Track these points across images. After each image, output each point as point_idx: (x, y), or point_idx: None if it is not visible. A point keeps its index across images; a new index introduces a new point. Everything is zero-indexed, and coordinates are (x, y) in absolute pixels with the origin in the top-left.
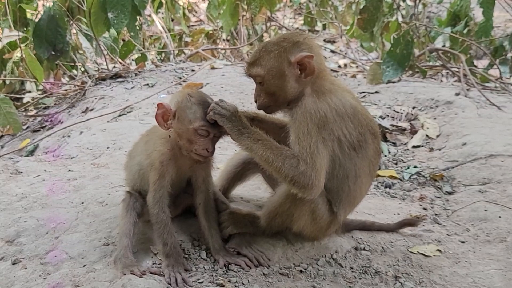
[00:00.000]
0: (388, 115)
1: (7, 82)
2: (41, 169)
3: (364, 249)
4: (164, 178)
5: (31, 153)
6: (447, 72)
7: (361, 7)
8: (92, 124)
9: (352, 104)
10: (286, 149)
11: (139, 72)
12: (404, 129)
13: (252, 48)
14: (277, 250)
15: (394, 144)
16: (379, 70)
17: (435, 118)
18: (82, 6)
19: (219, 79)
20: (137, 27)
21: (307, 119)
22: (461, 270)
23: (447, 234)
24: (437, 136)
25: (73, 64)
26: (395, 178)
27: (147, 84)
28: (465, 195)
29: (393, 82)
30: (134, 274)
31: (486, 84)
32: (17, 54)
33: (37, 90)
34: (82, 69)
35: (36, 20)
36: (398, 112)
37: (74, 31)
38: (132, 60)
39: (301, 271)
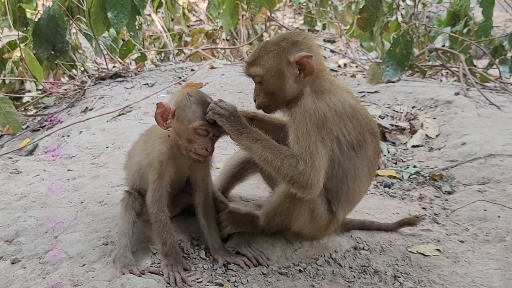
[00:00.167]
0: (387, 115)
1: (7, 81)
2: (41, 168)
3: (363, 248)
4: (163, 177)
5: (31, 152)
6: (447, 72)
7: (361, 6)
8: (91, 124)
9: (352, 104)
10: (285, 149)
11: (138, 71)
12: (404, 129)
13: (251, 48)
14: (276, 249)
15: (393, 143)
16: (378, 70)
17: (434, 118)
18: (82, 5)
19: (219, 79)
20: (137, 27)
21: (306, 119)
22: (460, 269)
23: (446, 234)
24: (437, 136)
25: (72, 63)
26: (394, 177)
27: (147, 84)
28: (464, 194)
29: (393, 82)
30: (133, 274)
31: (486, 84)
32: (16, 53)
33: (37, 89)
34: (82, 68)
35: (36, 19)
36: (397, 111)
37: (73, 30)
38: (132, 59)
39: (300, 270)
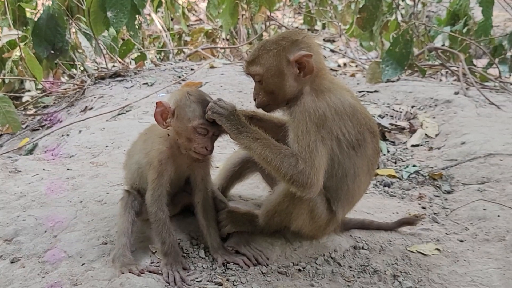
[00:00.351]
0: (387, 114)
1: (6, 81)
2: (40, 168)
3: (362, 248)
4: (163, 176)
5: (30, 152)
6: (446, 71)
7: (361, 6)
8: (91, 123)
9: (351, 103)
10: (285, 148)
11: (138, 71)
12: (403, 128)
13: (251, 47)
14: (276, 249)
15: (393, 143)
16: (378, 69)
17: (434, 117)
18: (82, 5)
19: (218, 78)
20: (137, 26)
21: (306, 118)
22: (460, 269)
23: (446, 233)
24: (436, 135)
25: (72, 63)
26: (394, 177)
27: (146, 83)
28: (464, 194)
29: (392, 81)
30: (132, 273)
31: (485, 83)
32: (16, 53)
33: (36, 89)
34: (82, 68)
35: (36, 19)
36: (397, 111)
37: (73, 30)
38: (132, 59)
39: (299, 270)
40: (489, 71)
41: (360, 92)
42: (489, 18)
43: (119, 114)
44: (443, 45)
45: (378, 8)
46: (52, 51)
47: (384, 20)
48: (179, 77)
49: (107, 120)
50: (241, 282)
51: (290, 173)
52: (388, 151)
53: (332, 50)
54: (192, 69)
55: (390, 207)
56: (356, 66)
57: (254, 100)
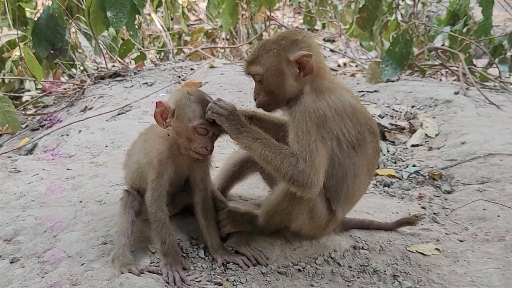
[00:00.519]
0: (387, 114)
1: (6, 81)
2: (40, 167)
3: (362, 248)
4: (163, 176)
5: (30, 151)
6: (446, 71)
7: (360, 6)
8: (91, 123)
9: (351, 103)
10: (285, 148)
11: (138, 71)
12: (403, 128)
13: (251, 47)
14: (275, 249)
15: (393, 143)
16: (378, 69)
17: (434, 117)
18: (81, 5)
19: (218, 78)
20: (136, 26)
21: (306, 118)
22: (460, 269)
23: (446, 233)
24: (436, 135)
25: (72, 63)
26: (394, 177)
27: (146, 83)
28: (464, 194)
29: (392, 81)
30: (132, 273)
31: (485, 83)
32: (16, 53)
33: (36, 89)
34: (81, 68)
35: (35, 19)
36: (397, 111)
37: (73, 30)
38: (131, 59)
39: (299, 270)
40: (489, 71)
41: (360, 92)
42: (489, 18)
43: (119, 114)
44: (443, 45)
45: (378, 8)
46: (52, 51)
47: (384, 20)
48: (179, 77)
49: (107, 120)
50: (241, 282)
51: (291, 173)
52: (388, 151)
53: (332, 50)
54: (192, 69)
55: (390, 207)
56: (356, 66)
57: (255, 100)
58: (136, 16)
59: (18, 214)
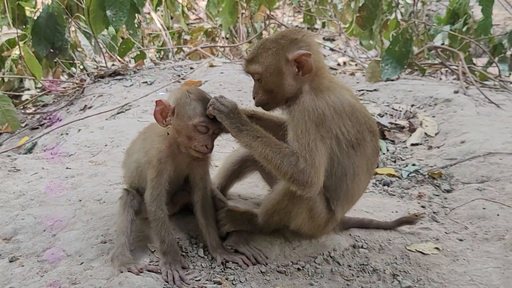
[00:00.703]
0: (386, 113)
1: (6, 79)
2: (39, 166)
3: (362, 247)
4: (162, 175)
5: (29, 150)
6: (446, 70)
7: (360, 5)
8: (90, 122)
9: (351, 102)
10: (285, 146)
11: (137, 70)
12: (403, 127)
13: (251, 46)
14: (275, 248)
15: (392, 142)
16: (378, 68)
17: (433, 116)
18: (81, 3)
19: (218, 77)
20: (136, 25)
21: (305, 117)
22: (459, 268)
23: (445, 232)
24: (436, 134)
25: (71, 62)
26: (393, 176)
27: (146, 82)
28: (463, 193)
29: (392, 80)
30: (131, 272)
31: (485, 82)
32: (15, 51)
33: (36, 88)
34: (81, 67)
35: (35, 17)
36: (396, 110)
37: (73, 28)
38: (131, 58)
39: (298, 269)
40: (488, 70)
41: (359, 91)
42: (489, 17)
43: (118, 113)
44: (443, 44)
45: (378, 7)
46: (52, 50)
47: (384, 18)
48: (179, 75)
49: (106, 119)
50: (240, 281)
51: (291, 172)
52: (388, 150)
53: (331, 49)
54: (191, 68)
55: (390, 206)
56: (356, 65)
57: (254, 98)
58: (136, 15)
59: (17, 213)
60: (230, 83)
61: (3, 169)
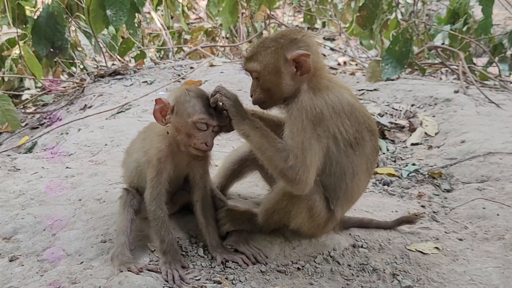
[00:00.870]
0: (386, 113)
1: (6, 79)
2: (39, 166)
3: (362, 246)
4: (162, 175)
5: (30, 150)
6: (446, 70)
7: (361, 4)
8: (90, 121)
9: (350, 101)
10: (280, 141)
11: (138, 69)
12: (403, 127)
13: (251, 46)
14: (275, 247)
15: (392, 141)
16: (378, 68)
17: (434, 116)
18: (81, 3)
19: (218, 77)
20: (136, 25)
21: (302, 115)
22: (459, 267)
23: (445, 232)
24: (436, 134)
25: (72, 61)
26: (393, 175)
27: (146, 82)
28: (463, 192)
29: (392, 80)
30: (131, 271)
31: (485, 82)
32: (15, 51)
33: (36, 87)
34: (81, 66)
35: (35, 17)
36: (396, 109)
37: (73, 28)
38: (131, 57)
39: (298, 268)
40: (489, 69)
41: (359, 90)
42: (489, 17)
43: (118, 113)
44: (443, 44)
45: (378, 7)
46: (52, 49)
47: (384, 18)
48: (179, 75)
49: (106, 119)
50: (240, 281)
51: (281, 167)
52: (388, 150)
53: (332, 49)
54: (191, 68)
55: (390, 205)
56: (356, 64)
57: (251, 96)
58: (136, 14)
59: (17, 212)
60: (230, 82)
61: (3, 169)
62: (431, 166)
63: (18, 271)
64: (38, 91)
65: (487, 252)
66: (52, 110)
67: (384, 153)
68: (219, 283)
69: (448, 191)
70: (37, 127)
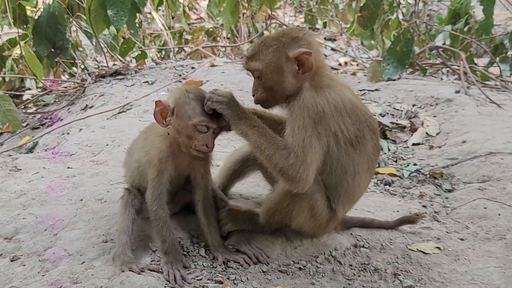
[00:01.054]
0: (388, 113)
1: (7, 79)
2: (40, 166)
3: (363, 246)
4: (163, 175)
5: (31, 150)
6: (447, 70)
7: (362, 4)
8: (91, 122)
9: (351, 100)
10: (280, 140)
11: (139, 69)
12: (404, 127)
13: (252, 45)
14: (276, 247)
15: (394, 141)
16: (379, 68)
17: (435, 116)
18: (82, 3)
19: (219, 77)
20: (137, 25)
21: (304, 113)
22: (460, 267)
23: (447, 232)
24: (437, 134)
25: (73, 61)
26: (394, 175)
27: (147, 82)
28: (464, 192)
29: (393, 80)
30: (132, 271)
31: (486, 82)
32: (16, 51)
33: (37, 87)
34: (82, 66)
35: (36, 17)
36: (398, 109)
37: (74, 28)
38: (132, 57)
39: (300, 268)
40: (490, 70)
41: (361, 90)
42: (490, 17)
43: (119, 113)
44: (444, 44)
45: (379, 7)
46: (53, 50)
47: (385, 18)
48: (180, 75)
49: (107, 119)
50: (242, 281)
51: (281, 165)
52: (389, 150)
53: (333, 49)
54: (192, 68)
55: (391, 205)
56: (357, 64)
57: (253, 96)
58: (137, 14)
59: (18, 212)
60: (231, 82)
61: (4, 169)
62: (433, 166)
63: (20, 271)
64: (39, 91)
65: (489, 252)
66: (53, 110)
67: (385, 153)
68: (221, 283)
69: (449, 191)
70: (38, 127)
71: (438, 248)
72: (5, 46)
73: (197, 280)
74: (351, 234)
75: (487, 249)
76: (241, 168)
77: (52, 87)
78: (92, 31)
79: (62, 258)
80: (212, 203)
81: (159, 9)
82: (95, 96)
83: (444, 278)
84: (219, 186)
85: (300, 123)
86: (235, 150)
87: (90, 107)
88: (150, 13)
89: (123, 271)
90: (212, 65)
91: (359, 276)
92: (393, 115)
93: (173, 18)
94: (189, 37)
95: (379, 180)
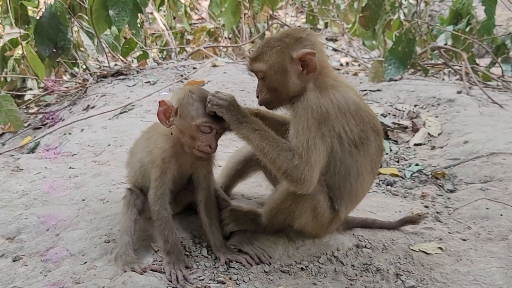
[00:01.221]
0: (390, 113)
1: (9, 79)
2: (42, 166)
3: (365, 246)
4: (166, 175)
5: (32, 150)
6: (449, 70)
7: (363, 5)
8: (93, 122)
9: (355, 101)
10: (283, 141)
11: (140, 69)
12: (406, 127)
13: (253, 46)
14: (278, 247)
15: (395, 142)
16: (381, 68)
17: (437, 116)
18: (84, 3)
19: (221, 77)
20: (139, 25)
21: (308, 114)
22: (463, 268)
23: (449, 232)
24: (439, 134)
25: (74, 61)
26: (396, 176)
27: (149, 82)
28: (466, 193)
29: (395, 80)
30: (134, 271)
31: (488, 82)
32: (18, 51)
33: (39, 87)
34: (84, 66)
35: (38, 17)
36: (400, 110)
37: (75, 28)
38: (134, 57)
39: (302, 268)
40: (492, 70)
41: (362, 91)
42: (492, 17)
43: (121, 113)
44: (445, 44)
45: (381, 7)
46: (54, 50)
47: (387, 19)
48: (182, 75)
49: (109, 119)
50: (244, 281)
51: (285, 167)
52: (391, 150)
53: (334, 49)
54: (194, 68)
55: (393, 206)
56: (359, 65)
57: (257, 97)
58: (139, 14)
59: (20, 212)
60: (233, 83)
61: (6, 169)
62: (434, 167)
63: (22, 271)
64: (40, 92)
65: (491, 252)
66: (55, 111)
67: (387, 154)
68: (223, 283)
69: (451, 191)
70: (40, 128)
71: (440, 248)
72: (7, 46)
73: (199, 280)
74: (353, 234)
75: (489, 250)
76: (243, 168)
77: (54, 87)
78: (93, 31)
79: (64, 258)
80: (214, 203)
81: (161, 9)
82: (97, 96)
83: (446, 279)
84: (221, 186)
85: (304, 124)
86: (237, 150)
87: (92, 107)
88: (151, 13)
89: (125, 271)
90: (214, 66)
91: (361, 276)
92: (395, 115)
93: (174, 18)
94: (190, 37)
95: (381, 180)
